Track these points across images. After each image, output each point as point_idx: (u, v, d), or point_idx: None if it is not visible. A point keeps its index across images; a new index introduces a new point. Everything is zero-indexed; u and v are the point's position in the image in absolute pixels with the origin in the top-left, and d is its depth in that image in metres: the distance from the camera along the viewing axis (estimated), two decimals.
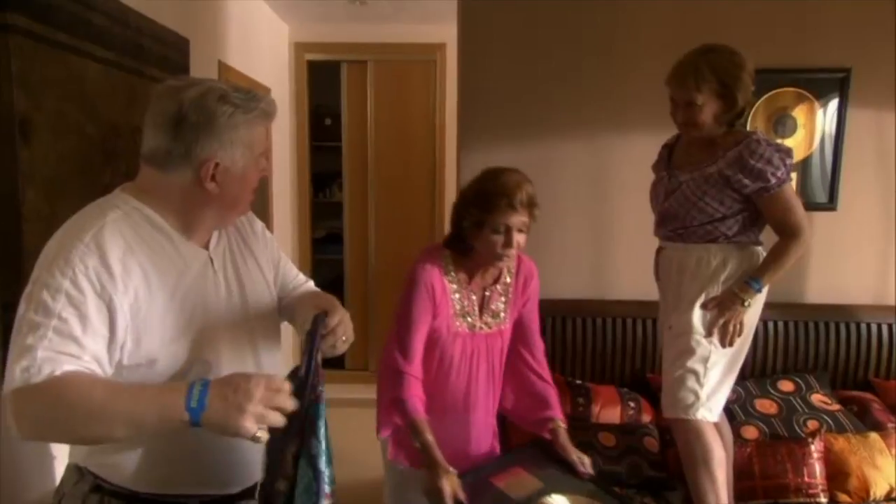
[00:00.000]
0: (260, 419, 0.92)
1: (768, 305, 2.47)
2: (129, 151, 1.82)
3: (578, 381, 2.45)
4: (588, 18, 2.51)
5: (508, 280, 1.78)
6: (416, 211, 4.32)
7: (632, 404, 2.35)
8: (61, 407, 0.91)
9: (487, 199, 1.61)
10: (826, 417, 2.26)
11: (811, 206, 2.55)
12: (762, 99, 2.52)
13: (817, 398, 2.34)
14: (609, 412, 2.32)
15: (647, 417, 2.31)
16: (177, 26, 2.13)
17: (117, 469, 1.08)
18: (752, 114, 2.53)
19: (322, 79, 4.28)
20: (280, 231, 3.86)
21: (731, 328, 1.79)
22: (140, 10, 1.86)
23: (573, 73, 2.53)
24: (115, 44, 1.72)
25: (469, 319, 1.72)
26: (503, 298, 1.76)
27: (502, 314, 1.76)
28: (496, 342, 1.76)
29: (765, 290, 1.83)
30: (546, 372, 1.82)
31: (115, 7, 1.72)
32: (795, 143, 2.55)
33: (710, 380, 1.82)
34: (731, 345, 1.80)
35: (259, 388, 0.93)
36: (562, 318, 2.52)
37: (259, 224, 1.32)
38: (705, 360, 1.81)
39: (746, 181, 1.76)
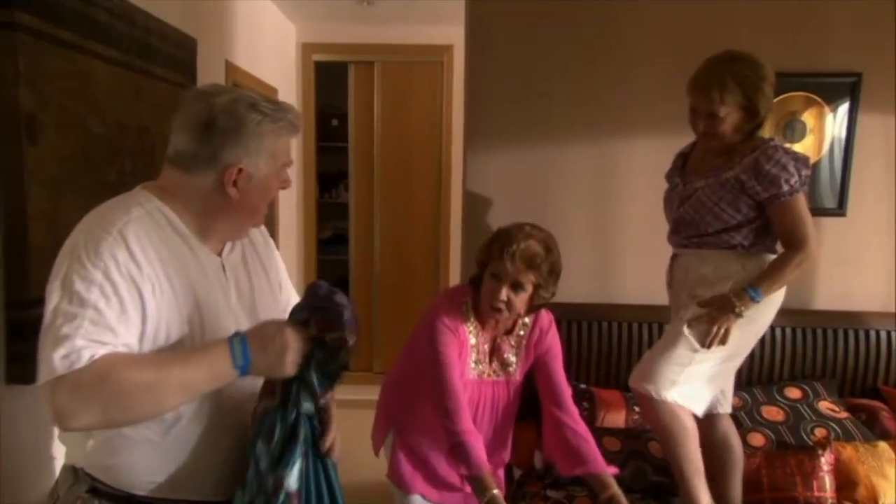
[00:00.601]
0: (295, 364, 1.06)
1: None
2: (135, 150, 1.81)
3: (583, 385, 2.43)
4: (596, 21, 2.49)
5: (522, 333, 1.76)
6: (421, 212, 4.31)
7: (637, 409, 2.33)
8: (113, 386, 0.93)
9: (490, 242, 1.65)
10: (834, 425, 2.23)
11: (820, 211, 2.53)
12: None
13: (825, 406, 2.32)
14: (614, 416, 2.31)
15: None
16: (184, 26, 2.13)
17: (117, 471, 1.07)
18: None
19: (329, 79, 4.28)
20: (285, 231, 3.86)
21: (714, 331, 1.74)
22: (147, 10, 1.86)
23: (580, 75, 2.51)
24: (121, 43, 1.72)
25: (480, 367, 1.72)
26: (515, 350, 1.75)
27: (512, 367, 1.75)
28: (502, 392, 1.75)
29: (779, 298, 1.81)
30: (580, 425, 1.72)
31: (123, 6, 1.72)
32: (804, 148, 2.52)
33: (694, 370, 1.79)
34: (707, 347, 1.76)
35: (292, 338, 1.05)
36: (567, 322, 2.50)
37: (272, 242, 1.34)
38: (695, 350, 1.78)
39: (759, 187, 1.74)
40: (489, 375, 1.73)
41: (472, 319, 1.70)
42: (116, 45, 1.70)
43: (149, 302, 1.01)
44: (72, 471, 1.10)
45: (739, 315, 1.73)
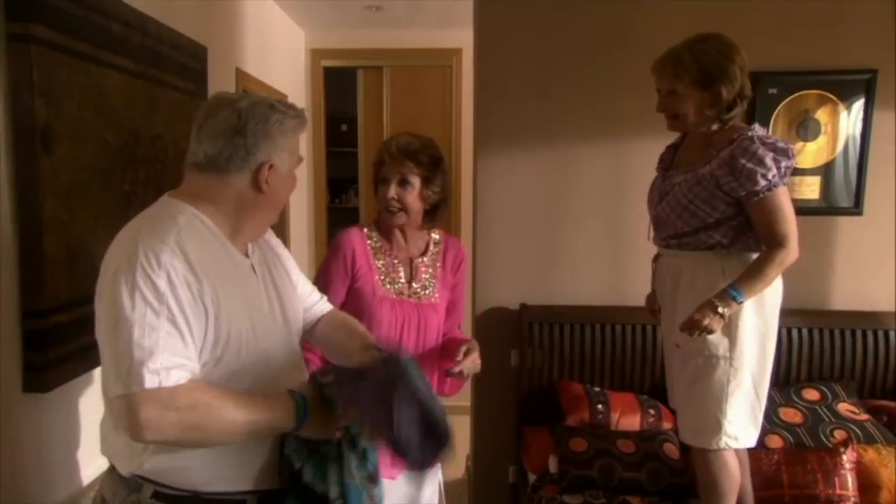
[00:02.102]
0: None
1: (792, 312, 2.43)
2: (149, 158, 1.83)
3: (597, 389, 2.41)
4: (605, 21, 2.48)
5: (435, 251, 1.82)
6: None
7: (651, 412, 2.31)
8: (199, 415, 1.00)
9: (375, 156, 1.76)
10: (854, 427, 2.20)
11: (835, 210, 2.51)
12: (784, 102, 2.48)
13: (844, 407, 2.29)
14: (628, 419, 2.29)
15: (667, 425, 2.27)
16: (195, 34, 2.15)
17: (182, 472, 1.09)
18: (774, 117, 2.49)
19: (338, 85, 4.30)
20: (296, 236, 3.87)
21: (695, 321, 1.60)
22: (159, 19, 1.87)
23: (591, 76, 2.50)
24: (134, 53, 1.73)
25: (396, 286, 1.74)
26: (430, 270, 1.79)
27: (430, 288, 1.78)
28: (430, 315, 1.76)
29: (774, 297, 1.72)
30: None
31: (135, 16, 1.74)
32: (818, 147, 2.51)
33: (734, 405, 1.68)
34: (690, 333, 1.63)
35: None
36: (580, 325, 2.49)
37: (280, 241, 1.38)
38: (725, 384, 1.67)
39: (735, 184, 1.64)
40: (409, 296, 1.75)
41: (374, 238, 1.77)
42: (130, 55, 1.71)
43: (210, 309, 1.05)
44: (129, 480, 1.10)
45: (723, 317, 1.61)
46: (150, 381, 0.96)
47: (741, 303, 1.62)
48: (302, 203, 4.11)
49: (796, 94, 2.47)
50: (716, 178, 1.66)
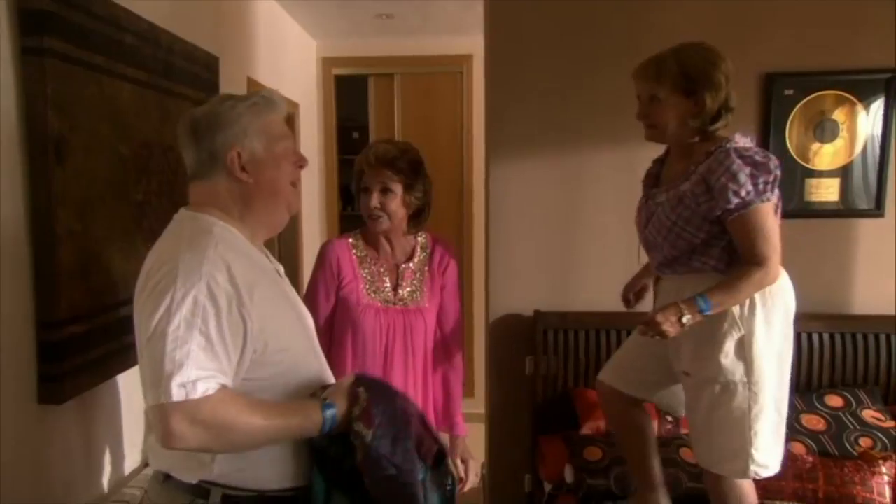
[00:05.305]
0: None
1: (812, 317, 2.39)
2: (161, 169, 1.83)
3: None
4: (619, 26, 2.46)
5: (422, 256, 1.81)
6: (443, 223, 4.28)
7: (669, 418, 2.27)
8: (228, 425, 1.03)
9: (355, 164, 1.78)
10: (880, 435, 2.15)
11: (855, 213, 2.46)
12: (800, 103, 2.44)
13: (869, 414, 2.23)
14: None
15: (685, 431, 2.23)
16: (206, 44, 2.16)
17: (250, 473, 1.12)
18: (790, 119, 2.45)
19: (349, 92, 4.31)
20: (308, 244, 3.88)
21: (655, 324, 1.49)
22: (171, 30, 1.88)
23: (604, 81, 2.48)
24: (147, 64, 1.74)
25: (381, 294, 1.74)
26: (418, 275, 1.78)
27: (418, 293, 1.77)
28: (416, 321, 1.75)
29: (787, 316, 1.62)
30: (456, 371, 1.87)
31: (147, 28, 1.75)
32: (836, 149, 2.46)
33: (760, 432, 1.58)
34: (642, 329, 1.55)
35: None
36: (595, 332, 2.46)
37: None
38: (747, 411, 1.57)
39: (712, 202, 1.52)
40: (395, 304, 1.75)
41: (360, 247, 1.78)
42: (142, 66, 1.72)
43: (248, 322, 1.06)
44: (193, 487, 1.12)
45: (684, 322, 1.49)
46: (178, 394, 0.99)
47: (706, 313, 1.50)
48: (314, 211, 4.12)
49: (813, 96, 2.43)
50: (695, 197, 1.56)
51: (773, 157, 1.56)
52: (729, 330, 1.58)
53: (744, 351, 1.58)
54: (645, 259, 1.89)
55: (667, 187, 1.66)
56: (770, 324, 1.60)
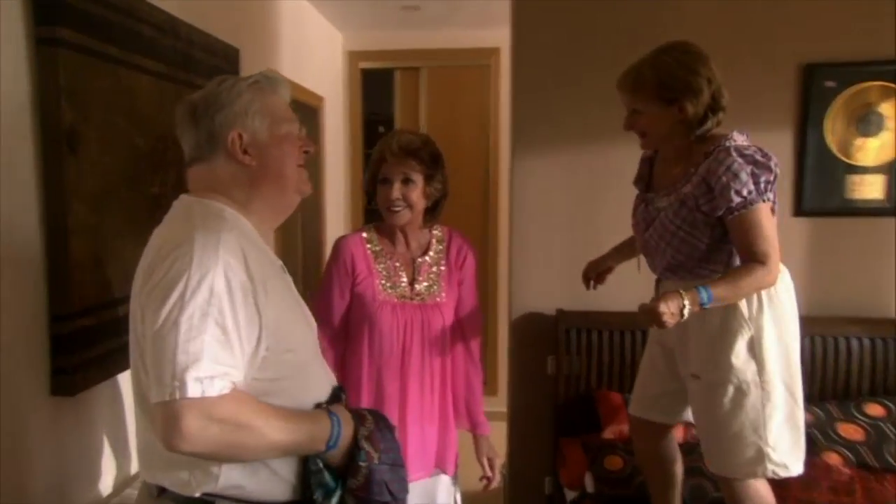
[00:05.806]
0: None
1: (853, 321, 2.27)
2: (178, 162, 1.81)
3: None
4: (646, 19, 2.36)
5: (440, 248, 1.76)
6: (469, 217, 4.24)
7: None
8: (243, 431, 0.96)
9: (371, 162, 1.75)
10: None
11: None
12: (840, 95, 2.32)
13: None
14: None
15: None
16: (227, 36, 2.15)
17: (258, 485, 1.04)
18: (829, 111, 2.33)
19: (375, 86, 4.29)
20: (332, 239, 3.87)
21: (657, 314, 1.44)
22: (190, 22, 1.87)
23: None
24: (165, 55, 1.73)
25: (398, 290, 1.70)
26: (434, 269, 1.73)
27: (435, 287, 1.72)
28: (434, 317, 1.70)
29: (791, 307, 1.59)
30: (476, 367, 1.82)
31: (166, 19, 1.73)
32: (882, 143, 2.34)
33: (775, 431, 1.56)
34: (641, 320, 1.50)
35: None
36: (619, 332, 2.39)
37: None
38: (760, 410, 1.55)
39: (714, 203, 1.50)
40: (412, 299, 1.70)
41: (374, 241, 1.75)
42: (160, 58, 1.71)
43: (261, 314, 1.01)
44: (195, 501, 1.03)
45: (684, 312, 1.45)
46: (194, 390, 0.90)
47: (706, 305, 1.47)
48: (339, 205, 4.11)
49: (856, 87, 2.32)
50: (695, 198, 1.54)
51: (772, 156, 1.53)
52: (739, 330, 1.56)
53: (754, 350, 1.56)
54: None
55: (667, 191, 1.63)
56: (778, 322, 1.58)
